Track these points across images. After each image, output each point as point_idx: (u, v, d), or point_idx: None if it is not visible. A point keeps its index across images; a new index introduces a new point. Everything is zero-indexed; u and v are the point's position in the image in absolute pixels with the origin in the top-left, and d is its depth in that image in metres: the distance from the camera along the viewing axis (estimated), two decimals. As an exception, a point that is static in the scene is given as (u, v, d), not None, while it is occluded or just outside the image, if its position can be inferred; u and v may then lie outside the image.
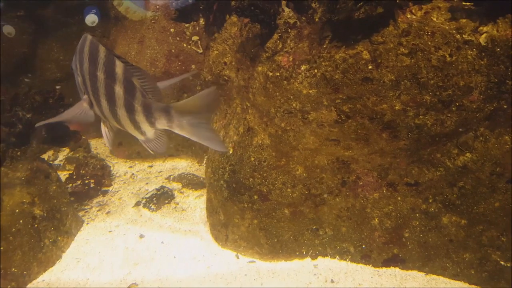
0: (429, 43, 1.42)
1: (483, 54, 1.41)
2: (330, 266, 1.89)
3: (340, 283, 1.79)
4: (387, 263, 1.86)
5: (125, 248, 2.10)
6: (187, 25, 2.87)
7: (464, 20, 1.41)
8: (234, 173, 1.91)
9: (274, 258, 1.96)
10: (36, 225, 1.95)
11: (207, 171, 2.19)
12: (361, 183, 1.80)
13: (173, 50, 2.92)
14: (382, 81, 1.48)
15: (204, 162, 3.08)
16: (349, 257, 1.90)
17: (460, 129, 1.58)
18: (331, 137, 1.68)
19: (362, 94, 1.52)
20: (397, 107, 1.51)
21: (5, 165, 2.04)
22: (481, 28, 1.40)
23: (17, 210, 1.91)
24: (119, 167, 3.13)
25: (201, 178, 2.78)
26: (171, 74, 2.89)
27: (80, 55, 1.32)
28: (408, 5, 1.44)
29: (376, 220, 1.83)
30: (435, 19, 1.42)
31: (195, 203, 2.55)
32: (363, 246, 1.87)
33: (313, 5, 1.57)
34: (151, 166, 3.14)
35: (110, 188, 2.79)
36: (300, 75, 1.60)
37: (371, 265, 1.88)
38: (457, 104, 1.49)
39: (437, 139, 1.61)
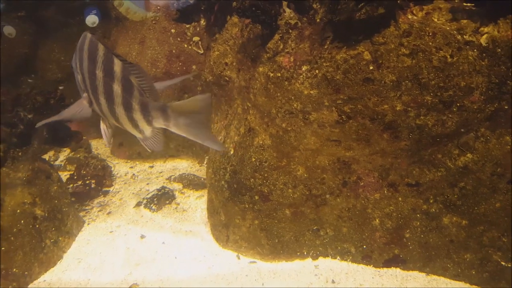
0: (430, 43, 1.42)
1: (484, 54, 1.41)
2: (331, 267, 1.89)
3: (341, 284, 1.79)
4: (388, 263, 1.86)
5: (126, 248, 2.11)
6: (188, 25, 2.87)
7: (465, 21, 1.41)
8: (235, 174, 1.91)
9: (275, 258, 1.96)
10: (37, 226, 1.95)
11: (208, 171, 2.19)
12: (362, 183, 1.80)
13: (174, 51, 2.92)
14: (383, 82, 1.48)
15: (205, 162, 3.08)
16: (350, 257, 1.90)
17: (461, 130, 1.58)
18: (332, 138, 1.69)
19: (363, 95, 1.52)
20: (398, 108, 1.52)
21: (7, 166, 2.04)
22: (482, 28, 1.41)
23: (18, 211, 1.91)
24: (120, 167, 3.14)
25: (202, 179, 2.78)
26: (172, 75, 2.90)
27: (80, 53, 1.33)
28: (409, 5, 1.44)
29: (377, 220, 1.83)
30: (436, 19, 1.42)
31: (196, 203, 2.55)
32: (364, 246, 1.87)
33: (314, 6, 1.58)
34: (152, 167, 3.14)
35: (111, 189, 2.79)
36: (301, 76, 1.60)
37: (372, 266, 1.88)
38: (458, 104, 1.49)
39: (438, 139, 1.61)
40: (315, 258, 1.94)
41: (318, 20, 1.57)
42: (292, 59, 1.62)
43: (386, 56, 1.45)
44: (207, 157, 3.06)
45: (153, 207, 2.48)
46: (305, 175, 1.82)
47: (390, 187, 1.78)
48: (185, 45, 2.92)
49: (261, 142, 1.84)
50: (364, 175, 1.79)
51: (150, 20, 2.96)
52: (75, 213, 2.30)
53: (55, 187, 2.15)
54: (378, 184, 1.79)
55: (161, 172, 3.03)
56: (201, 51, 2.90)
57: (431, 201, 1.76)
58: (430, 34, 1.42)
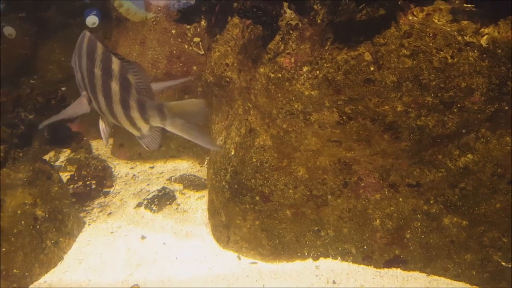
0: (431, 44, 1.42)
1: (484, 55, 1.42)
2: (331, 267, 1.89)
3: (342, 284, 1.79)
4: (388, 264, 1.86)
5: (127, 249, 2.11)
6: (188, 26, 2.88)
7: (465, 22, 1.42)
8: (236, 174, 1.92)
9: (276, 259, 1.96)
10: (38, 226, 1.95)
11: (208, 172, 2.19)
12: (362, 184, 1.81)
13: (174, 52, 2.93)
14: (384, 83, 1.49)
15: (206, 163, 3.08)
16: (351, 258, 1.91)
17: (462, 131, 1.58)
18: (333, 138, 1.69)
19: (364, 96, 1.53)
20: (399, 109, 1.52)
21: (7, 166, 2.04)
22: (482, 29, 1.41)
23: (19, 211, 1.91)
24: (120, 168, 3.14)
25: (203, 179, 2.78)
26: (173, 75, 2.90)
27: (79, 52, 1.34)
28: (409, 6, 1.45)
29: (377, 221, 1.83)
30: (436, 20, 1.42)
31: (196, 204, 2.55)
32: (365, 247, 1.87)
33: (315, 7, 1.58)
34: (152, 167, 3.14)
35: (112, 189, 2.79)
36: (302, 77, 1.60)
37: (372, 266, 1.88)
38: (459, 105, 1.49)
39: (438, 140, 1.61)
40: (316, 258, 1.94)
41: (319, 21, 1.58)
42: (293, 60, 1.62)
43: (386, 57, 1.46)
44: (207, 157, 3.06)
45: (154, 208, 2.48)
46: (306, 175, 1.82)
47: (390, 188, 1.79)
48: (186, 46, 2.93)
49: (262, 143, 1.84)
50: (364, 175, 1.79)
51: (150, 21, 2.97)
52: (75, 214, 2.30)
53: (56, 188, 2.15)
54: (379, 185, 1.79)
55: (161, 173, 3.03)
56: (202, 52, 2.90)
57: (431, 202, 1.76)
58: (431, 35, 1.42)
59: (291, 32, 1.64)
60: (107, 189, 2.77)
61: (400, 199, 1.79)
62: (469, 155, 1.64)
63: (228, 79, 2.02)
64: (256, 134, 1.86)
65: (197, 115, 1.36)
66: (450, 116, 1.52)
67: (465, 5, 1.42)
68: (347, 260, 1.91)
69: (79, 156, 3.16)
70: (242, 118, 1.96)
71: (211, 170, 2.11)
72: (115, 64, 1.28)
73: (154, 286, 1.84)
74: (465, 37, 1.41)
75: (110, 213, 2.48)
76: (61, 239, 2.07)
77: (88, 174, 2.69)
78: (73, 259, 2.04)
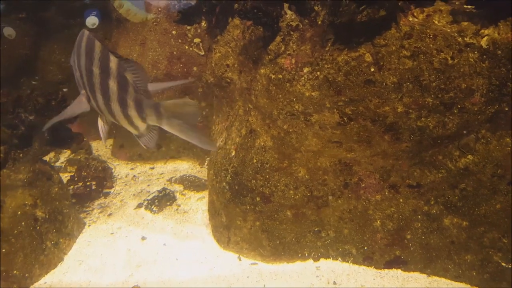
0: (431, 45, 1.43)
1: (485, 56, 1.42)
2: (332, 268, 1.89)
3: (343, 285, 1.79)
4: (389, 264, 1.87)
5: (127, 250, 2.10)
6: (189, 27, 2.88)
7: (465, 23, 1.42)
8: (237, 175, 1.92)
9: (277, 260, 1.96)
10: (38, 227, 1.95)
11: (209, 173, 2.19)
12: (363, 185, 1.81)
13: (175, 52, 2.93)
14: (384, 84, 1.49)
15: (206, 164, 3.08)
16: (351, 259, 1.91)
17: (462, 131, 1.59)
18: (333, 139, 1.69)
19: (364, 97, 1.53)
20: (399, 110, 1.52)
21: (8, 167, 2.04)
22: (482, 31, 1.42)
23: (19, 212, 1.91)
24: (121, 169, 3.14)
25: (203, 180, 2.78)
26: (173, 76, 2.90)
27: (78, 50, 1.35)
28: (410, 8, 1.45)
29: (378, 222, 1.83)
30: (436, 22, 1.43)
31: (197, 205, 2.55)
32: (365, 248, 1.88)
33: (315, 8, 1.58)
34: (152, 168, 3.14)
35: (112, 190, 2.79)
36: (303, 78, 1.61)
37: (373, 267, 1.89)
38: (459, 106, 1.50)
39: (439, 141, 1.62)
40: (316, 259, 1.94)
41: (319, 22, 1.58)
42: (293, 61, 1.62)
43: (387, 58, 1.46)
44: (208, 158, 3.06)
45: (154, 209, 2.48)
46: (307, 176, 1.82)
47: (391, 189, 1.79)
48: (186, 47, 2.93)
49: (262, 144, 1.85)
50: (365, 176, 1.80)
51: (151, 21, 2.97)
52: (75, 215, 2.30)
53: (56, 189, 2.14)
54: (379, 186, 1.79)
55: (161, 174, 3.03)
56: (202, 53, 2.91)
57: (432, 203, 1.76)
58: (431, 36, 1.42)
59: (291, 33, 1.65)
60: (107, 190, 2.77)
61: (401, 200, 1.79)
62: (469, 156, 1.65)
63: (229, 80, 2.02)
64: (257, 135, 1.87)
65: (193, 114, 1.37)
66: (451, 117, 1.53)
67: (465, 6, 1.43)
68: (347, 261, 1.92)
69: (79, 157, 3.16)
70: (242, 119, 1.96)
71: (212, 171, 2.11)
72: (113, 62, 1.29)
73: (154, 287, 1.83)
74: (465, 38, 1.42)
75: (110, 214, 2.48)
76: (61, 240, 2.07)
77: (88, 175, 2.69)
78: (73, 260, 2.04)
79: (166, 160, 3.21)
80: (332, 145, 1.71)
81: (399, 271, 1.86)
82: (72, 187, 2.59)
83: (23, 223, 1.90)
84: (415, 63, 1.45)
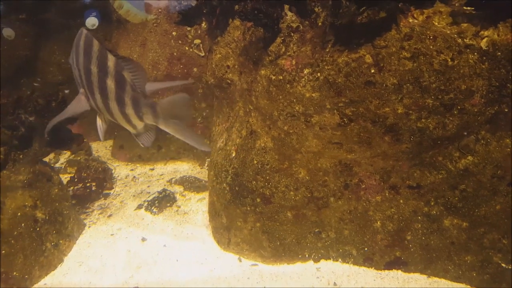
0: (431, 47, 1.43)
1: (484, 58, 1.43)
2: (332, 269, 1.89)
3: (343, 286, 1.79)
4: (389, 265, 1.87)
5: (127, 251, 2.10)
6: (189, 28, 2.88)
7: (465, 25, 1.43)
8: (237, 176, 1.92)
9: (277, 261, 1.96)
10: (38, 229, 1.95)
11: (209, 174, 2.19)
12: (363, 186, 1.81)
13: (175, 53, 2.93)
14: (384, 85, 1.49)
15: (206, 165, 3.09)
16: (352, 260, 1.91)
17: (462, 133, 1.59)
18: (333, 140, 1.69)
19: (364, 98, 1.53)
20: (399, 111, 1.53)
21: (8, 168, 2.04)
22: (482, 32, 1.42)
23: (19, 213, 1.91)
24: (121, 170, 3.14)
25: (203, 181, 2.78)
26: (173, 77, 2.90)
27: (76, 49, 1.36)
28: (410, 9, 1.46)
29: (378, 223, 1.83)
30: (436, 23, 1.43)
31: (197, 206, 2.55)
32: (366, 249, 1.88)
33: (316, 9, 1.59)
34: (152, 169, 3.14)
35: (112, 191, 2.79)
36: (303, 79, 1.61)
37: (373, 268, 1.89)
38: (459, 107, 1.50)
39: (439, 142, 1.62)
40: (316, 260, 1.94)
41: (320, 24, 1.59)
42: (294, 62, 1.63)
43: (387, 59, 1.47)
44: (208, 159, 3.06)
45: (154, 210, 2.48)
46: (307, 177, 1.83)
47: (391, 190, 1.79)
48: (186, 48, 2.93)
49: (263, 145, 1.85)
50: (365, 177, 1.80)
51: (151, 23, 2.98)
52: (75, 216, 2.30)
53: (56, 190, 2.14)
54: (380, 187, 1.79)
55: (162, 175, 3.03)
56: (202, 54, 2.91)
57: (432, 204, 1.76)
58: (431, 37, 1.43)
59: (292, 34, 1.65)
60: (107, 191, 2.77)
61: (401, 201, 1.79)
62: (469, 157, 1.65)
63: (229, 81, 2.02)
64: (257, 136, 1.87)
65: (187, 111, 1.40)
66: (451, 118, 1.53)
67: (464, 7, 1.43)
68: (348, 262, 1.92)
69: (79, 158, 3.16)
70: (243, 120, 1.97)
71: (212, 172, 2.11)
72: (111, 61, 1.30)
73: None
74: (465, 40, 1.42)
75: (110, 215, 2.48)
76: (61, 241, 2.06)
77: (88, 176, 2.69)
78: (73, 261, 2.04)
79: (166, 161, 3.21)
80: (333, 146, 1.71)
81: (399, 272, 1.86)
82: (72, 188, 2.59)
83: (23, 225, 1.90)
84: (415, 64, 1.45)
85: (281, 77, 1.66)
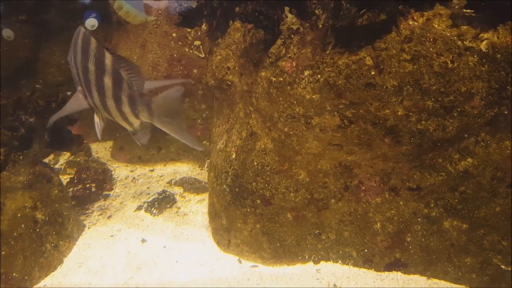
0: (431, 49, 1.44)
1: (484, 60, 1.43)
2: (332, 271, 1.89)
3: (343, 287, 1.80)
4: (389, 267, 1.87)
5: (127, 252, 2.10)
6: (189, 30, 2.89)
7: (465, 27, 1.43)
8: (237, 178, 1.92)
9: (277, 262, 1.96)
10: (38, 230, 1.95)
11: (209, 175, 2.19)
12: (363, 187, 1.81)
13: (175, 55, 2.93)
14: (384, 87, 1.50)
15: (206, 166, 3.09)
16: (352, 261, 1.91)
17: (462, 135, 1.60)
18: (334, 142, 1.70)
19: (365, 100, 1.54)
20: (399, 113, 1.53)
21: (8, 169, 2.04)
22: (482, 35, 1.43)
23: (19, 215, 1.91)
24: (120, 171, 3.14)
25: (203, 183, 2.78)
26: (173, 79, 2.90)
27: (74, 47, 1.36)
28: (410, 12, 1.46)
29: (378, 224, 1.84)
30: (436, 25, 1.44)
31: (196, 207, 2.55)
32: (366, 250, 1.88)
33: (316, 11, 1.59)
34: (152, 170, 3.14)
35: (112, 192, 2.79)
36: (304, 81, 1.61)
37: (373, 270, 1.89)
38: (459, 109, 1.51)
39: (439, 144, 1.62)
40: (316, 262, 1.95)
41: (320, 26, 1.59)
42: (294, 64, 1.63)
43: (387, 62, 1.47)
44: (208, 160, 3.07)
45: (154, 211, 2.48)
46: (307, 179, 1.83)
47: (391, 191, 1.79)
48: (186, 49, 2.94)
49: (263, 146, 1.85)
50: (365, 179, 1.80)
51: (151, 24, 2.98)
52: (75, 217, 2.30)
53: (56, 191, 2.14)
54: (380, 188, 1.80)
55: (161, 176, 3.03)
56: (202, 55, 2.91)
57: (432, 205, 1.77)
58: (431, 40, 1.44)
59: (292, 36, 1.65)
60: (107, 192, 2.77)
61: (401, 203, 1.80)
62: (469, 159, 1.66)
63: (230, 83, 2.02)
64: (257, 138, 1.87)
65: (180, 102, 1.42)
66: (450, 120, 1.53)
67: (464, 10, 1.44)
68: (348, 264, 1.92)
69: (78, 159, 3.15)
70: (243, 122, 1.97)
71: (212, 173, 2.12)
72: (108, 59, 1.30)
73: (154, 289, 1.83)
74: (465, 42, 1.43)
75: (110, 216, 2.47)
76: (61, 242, 2.06)
77: (88, 177, 2.68)
78: (73, 262, 2.03)
79: (166, 162, 3.21)
80: (333, 148, 1.72)
81: (399, 273, 1.86)
82: (71, 189, 2.59)
83: (23, 225, 1.89)
84: (415, 66, 1.46)
85: (282, 79, 1.66)
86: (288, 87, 1.65)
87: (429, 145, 1.62)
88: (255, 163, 1.86)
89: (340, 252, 1.92)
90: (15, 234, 1.86)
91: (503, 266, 1.73)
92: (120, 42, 3.12)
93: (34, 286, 1.87)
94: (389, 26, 1.46)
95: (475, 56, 1.43)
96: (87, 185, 2.63)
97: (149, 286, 1.85)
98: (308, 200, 1.85)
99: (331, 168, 1.80)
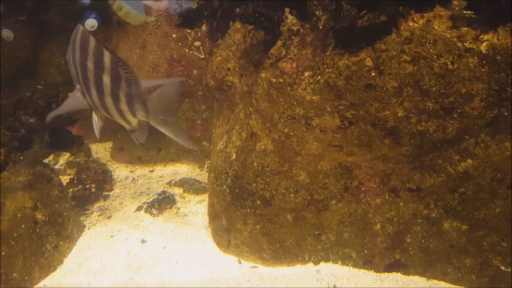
0: (431, 50, 1.44)
1: (484, 62, 1.43)
2: (332, 272, 1.89)
3: (343, 288, 1.80)
4: (389, 268, 1.87)
5: (127, 253, 2.10)
6: (189, 31, 2.89)
7: (465, 28, 1.43)
8: (237, 178, 1.92)
9: (277, 263, 1.96)
10: (38, 230, 1.95)
11: (209, 176, 2.19)
12: (363, 188, 1.81)
13: (175, 56, 2.94)
14: (385, 88, 1.50)
15: (206, 167, 3.09)
16: (352, 262, 1.91)
17: (462, 136, 1.60)
18: (334, 143, 1.70)
19: (365, 101, 1.54)
20: (399, 114, 1.53)
21: (8, 169, 2.04)
22: (482, 36, 1.43)
23: (19, 215, 1.91)
24: (120, 171, 3.13)
25: (203, 183, 2.78)
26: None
27: (73, 45, 1.36)
28: (410, 13, 1.47)
29: (378, 225, 1.84)
30: (436, 27, 1.44)
31: (196, 208, 2.55)
32: (365, 251, 1.88)
33: (316, 12, 1.60)
34: (152, 171, 3.14)
35: (111, 193, 2.79)
36: (304, 82, 1.61)
37: (373, 271, 1.89)
38: (459, 111, 1.51)
39: (438, 145, 1.63)
40: (316, 263, 1.95)
41: (320, 27, 1.59)
42: (294, 65, 1.63)
43: (387, 63, 1.47)
44: (207, 161, 3.07)
45: (154, 212, 2.48)
46: (307, 180, 1.83)
47: (391, 192, 1.80)
48: (186, 50, 2.94)
49: (263, 147, 1.85)
50: (365, 180, 1.80)
51: (151, 25, 2.98)
52: (75, 218, 2.30)
53: (56, 192, 2.14)
54: (379, 189, 1.80)
55: (161, 177, 3.03)
56: (202, 56, 2.92)
57: (431, 206, 1.77)
58: (431, 41, 1.44)
59: (292, 37, 1.66)
60: (106, 193, 2.77)
61: (401, 204, 1.80)
62: (469, 160, 1.66)
63: (230, 84, 2.03)
64: (258, 138, 1.87)
65: (174, 96, 1.41)
66: (450, 122, 1.54)
67: (464, 11, 1.44)
68: (347, 265, 1.92)
69: (78, 160, 3.15)
70: (243, 122, 1.97)
71: (212, 174, 2.12)
72: (107, 57, 1.30)
73: (154, 290, 1.83)
74: (465, 44, 1.43)
75: (110, 217, 2.47)
76: (61, 243, 2.06)
77: (87, 177, 2.69)
78: (73, 262, 2.03)
79: (166, 163, 3.21)
80: (333, 149, 1.72)
81: (399, 274, 1.86)
82: (71, 189, 2.59)
83: (23, 226, 1.89)
84: (415, 67, 1.46)
85: (282, 80, 1.66)
86: (288, 88, 1.65)
87: (429, 146, 1.62)
88: (255, 164, 1.86)
89: (340, 253, 1.92)
90: (15, 234, 1.86)
91: (502, 267, 1.73)
92: (120, 42, 3.12)
93: (34, 286, 1.87)
94: (389, 27, 1.46)
95: (475, 57, 1.43)
96: (87, 186, 2.63)
97: (149, 287, 1.85)
98: (308, 201, 1.85)
99: (331, 169, 1.80)
